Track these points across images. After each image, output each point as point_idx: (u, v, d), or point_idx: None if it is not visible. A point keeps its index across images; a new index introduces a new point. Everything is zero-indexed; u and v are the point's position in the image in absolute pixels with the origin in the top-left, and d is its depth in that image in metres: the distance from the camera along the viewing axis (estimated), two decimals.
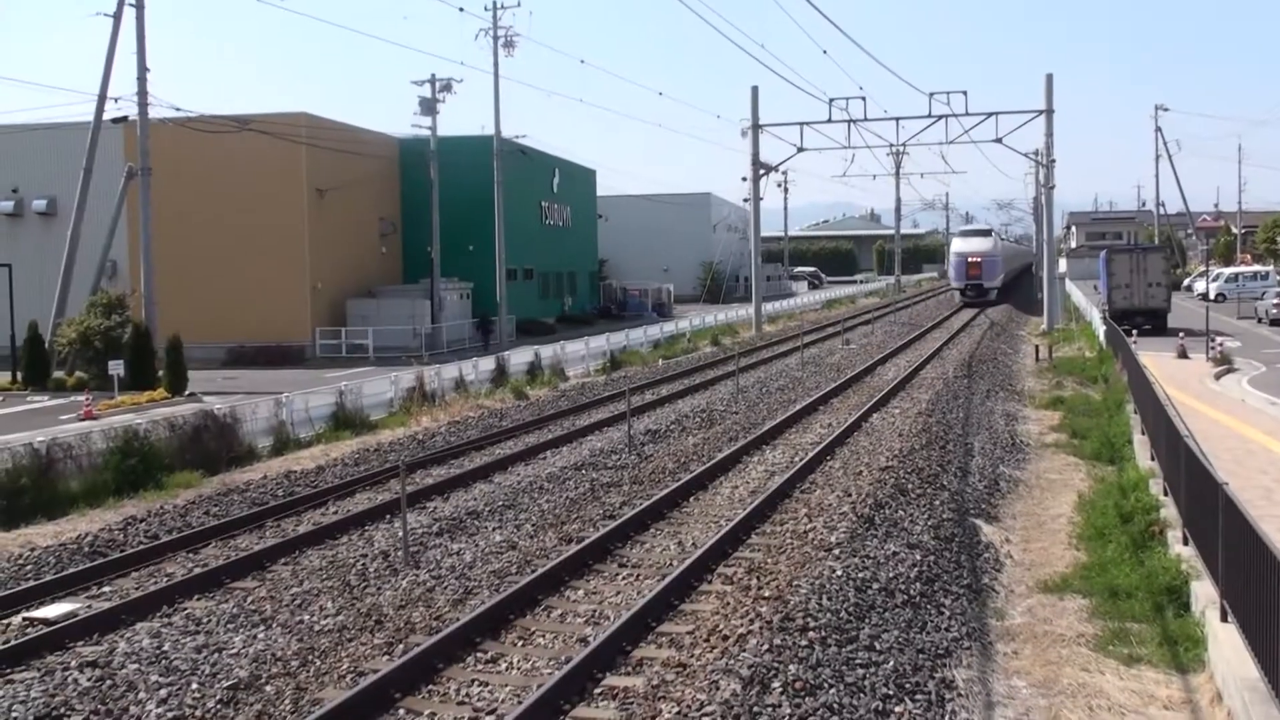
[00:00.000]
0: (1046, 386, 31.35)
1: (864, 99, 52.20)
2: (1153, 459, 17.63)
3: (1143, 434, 20.06)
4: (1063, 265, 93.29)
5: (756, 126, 56.10)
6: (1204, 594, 11.16)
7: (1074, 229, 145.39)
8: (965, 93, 52.06)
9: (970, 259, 70.38)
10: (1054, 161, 54.39)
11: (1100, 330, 42.74)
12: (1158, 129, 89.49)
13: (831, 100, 51.82)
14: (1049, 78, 52.59)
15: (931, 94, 51.23)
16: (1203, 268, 71.91)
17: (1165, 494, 15.25)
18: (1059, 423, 24.85)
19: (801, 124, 54.42)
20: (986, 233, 76.91)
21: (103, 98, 38.49)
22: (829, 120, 52.27)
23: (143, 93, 36.71)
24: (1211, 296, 56.50)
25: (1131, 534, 14.28)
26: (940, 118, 51.77)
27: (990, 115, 52.27)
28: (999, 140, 52.58)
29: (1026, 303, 71.98)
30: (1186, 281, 78.05)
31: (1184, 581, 11.98)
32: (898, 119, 53.82)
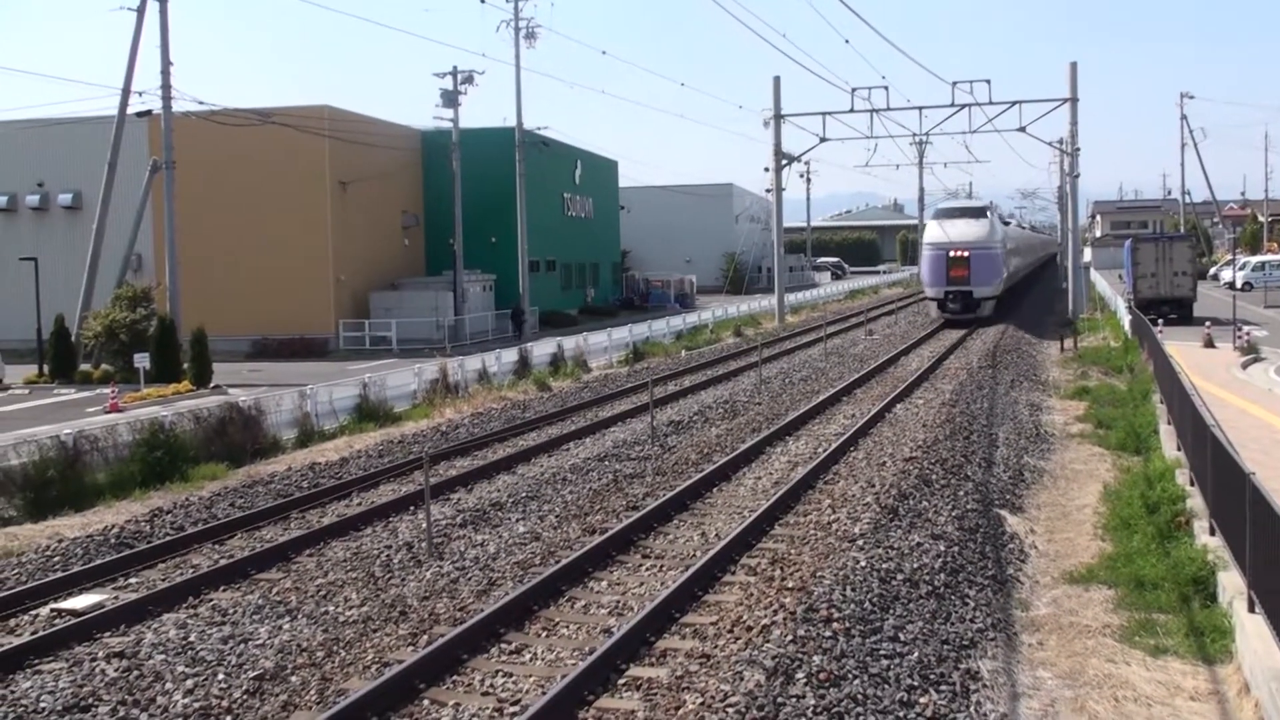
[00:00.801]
0: (1071, 376, 31.19)
1: (886, 88, 52.04)
2: (1179, 449, 17.53)
3: (1169, 424, 19.94)
4: (1087, 254, 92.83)
5: (779, 117, 55.95)
6: (1231, 584, 11.10)
7: (1099, 218, 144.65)
8: (989, 81, 51.75)
9: (952, 253, 46.97)
10: (1078, 150, 54.06)
11: (1125, 320, 42.47)
12: (1183, 117, 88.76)
13: (854, 90, 51.64)
14: (1073, 66, 52.24)
15: (955, 83, 50.97)
16: (1229, 256, 71.40)
17: (1191, 484, 15.16)
18: (1084, 413, 24.71)
19: (824, 114, 54.21)
20: (979, 211, 50.72)
21: (127, 92, 38.69)
22: (851, 110, 52.07)
23: (166, 86, 36.88)
24: (1238, 285, 56.03)
25: (1157, 524, 14.22)
26: (963, 107, 51.51)
27: (1014, 104, 51.98)
28: (1023, 129, 52.24)
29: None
30: (1213, 270, 77.45)
31: (1211, 572, 11.92)
32: (920, 108, 53.57)
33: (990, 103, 51.44)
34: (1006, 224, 59.48)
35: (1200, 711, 9.39)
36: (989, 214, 50.25)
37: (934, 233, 48.73)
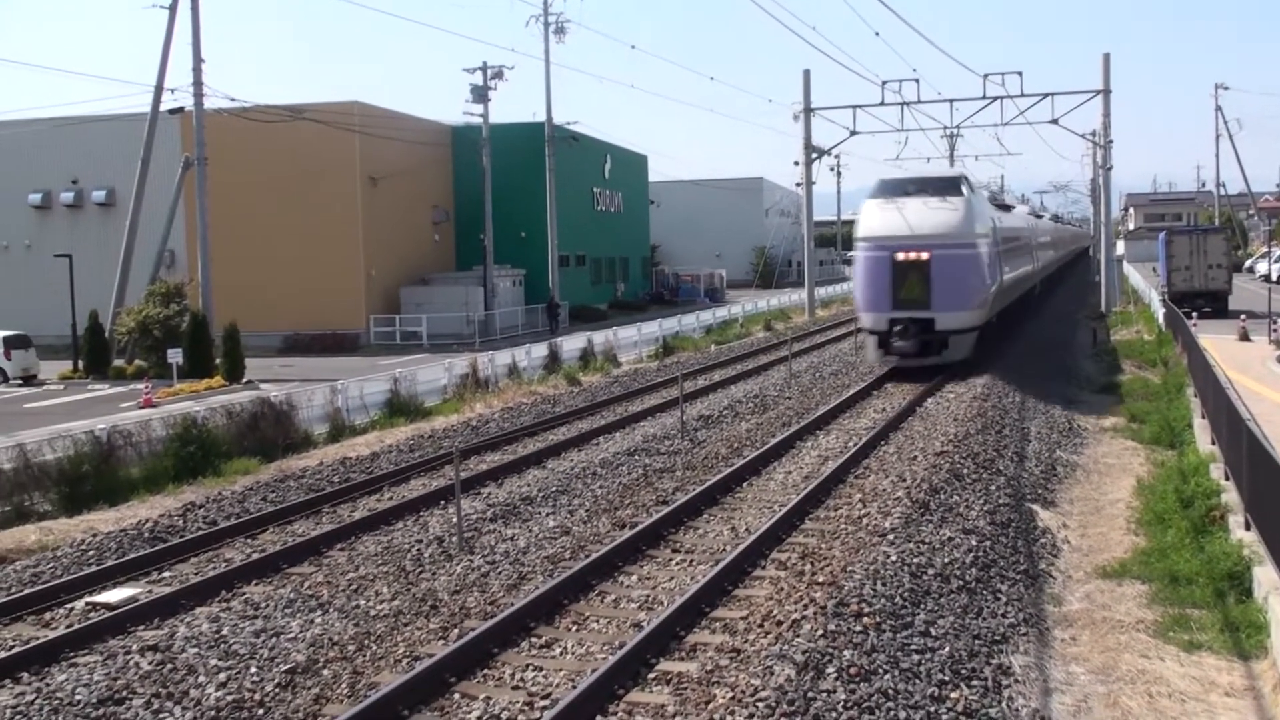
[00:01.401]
0: (1104, 370, 30.96)
1: (917, 81, 51.62)
2: (1213, 443, 17.38)
3: (1203, 418, 19.77)
4: (1121, 247, 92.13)
5: (809, 110, 55.74)
6: (1267, 579, 11.00)
7: (1132, 210, 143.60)
8: (1020, 73, 51.44)
9: (900, 254, 28.70)
10: (1111, 142, 53.61)
11: (1159, 313, 42.15)
12: (1218, 108, 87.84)
13: (884, 83, 51.31)
14: (1106, 57, 51.82)
15: (986, 75, 50.59)
16: (1264, 249, 70.72)
17: (1226, 478, 15.03)
18: (1117, 406, 24.53)
19: (854, 107, 53.96)
20: (947, 185, 30.67)
21: (159, 89, 38.97)
22: (882, 103, 51.79)
23: (198, 83, 37.12)
24: (1273, 278, 55.55)
25: (1192, 519, 14.10)
26: (995, 99, 51.12)
27: (1046, 96, 51.55)
28: (1055, 121, 51.82)
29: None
30: (1248, 263, 76.82)
31: (1246, 567, 11.82)
32: (951, 101, 53.13)
33: (1022, 95, 51.06)
34: (1007, 208, 42.37)
35: (1235, 707, 9.31)
36: (963, 189, 29.92)
37: (873, 220, 29.51)
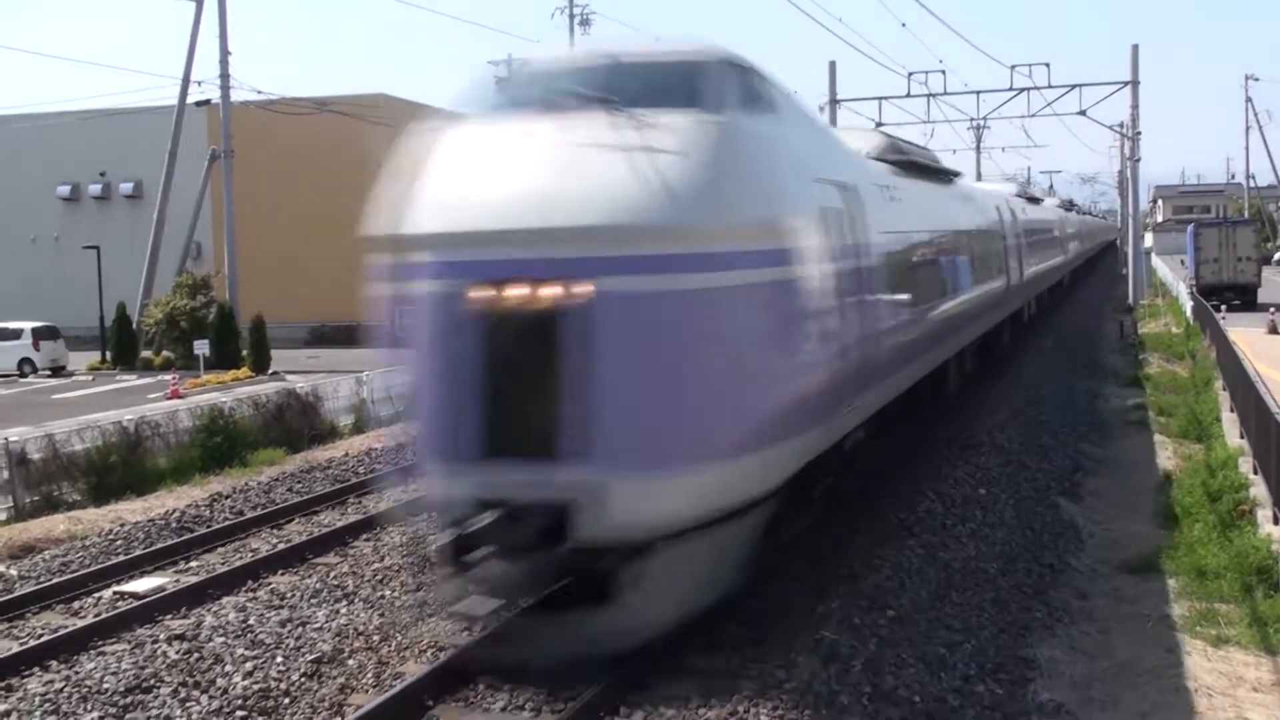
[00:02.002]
0: (1131, 363, 30.78)
1: (944, 72, 51.22)
2: (1242, 437, 17.28)
3: (1231, 411, 19.65)
4: (1149, 240, 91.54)
5: (834, 101, 55.50)
6: None
7: (1160, 203, 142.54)
8: (1048, 64, 50.87)
9: (486, 293, 9.15)
10: (1139, 134, 53.24)
11: (1187, 306, 41.87)
12: (1248, 99, 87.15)
13: (911, 74, 51.03)
14: (1134, 48, 51.44)
15: (1013, 66, 50.21)
16: None
17: (1255, 472, 14.94)
18: (1144, 400, 24.38)
19: (880, 99, 53.66)
20: (670, 83, 9.62)
21: (186, 81, 39.21)
22: (908, 95, 51.47)
23: (225, 76, 37.34)
24: None
25: (1219, 513, 14.02)
26: (1022, 90, 50.76)
27: (1074, 87, 51.14)
28: (1083, 113, 51.43)
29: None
30: (1277, 256, 76.17)
31: (1274, 561, 11.75)
32: (978, 92, 52.79)
33: (1049, 86, 50.63)
34: (946, 175, 20.49)
35: (1262, 703, 9.26)
36: (719, 94, 9.69)
37: (433, 183, 10.09)
